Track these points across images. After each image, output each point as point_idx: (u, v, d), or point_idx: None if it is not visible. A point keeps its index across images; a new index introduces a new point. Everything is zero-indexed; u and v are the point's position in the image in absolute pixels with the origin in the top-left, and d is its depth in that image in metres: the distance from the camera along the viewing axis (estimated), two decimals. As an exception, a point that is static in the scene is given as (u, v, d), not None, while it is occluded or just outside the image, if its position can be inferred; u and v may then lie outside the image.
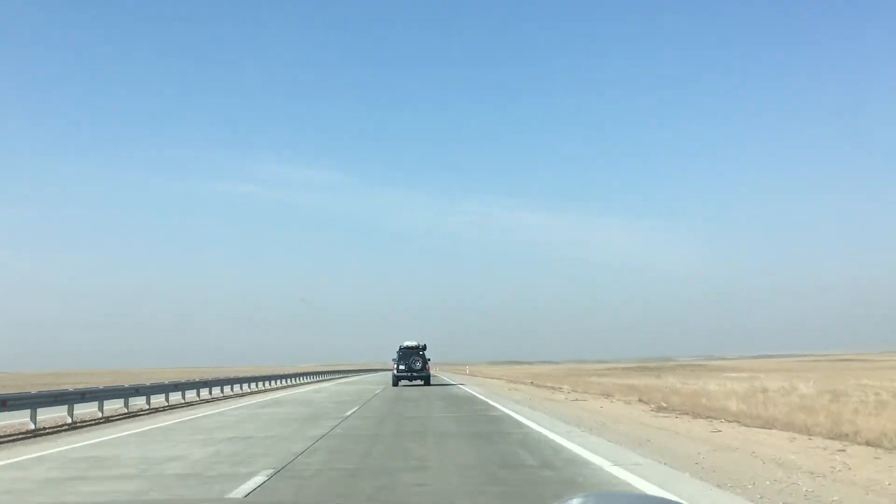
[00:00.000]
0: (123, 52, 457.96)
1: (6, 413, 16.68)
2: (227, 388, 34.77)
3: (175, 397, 27.31)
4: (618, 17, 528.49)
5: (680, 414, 17.67)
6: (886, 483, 8.16)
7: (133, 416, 20.44)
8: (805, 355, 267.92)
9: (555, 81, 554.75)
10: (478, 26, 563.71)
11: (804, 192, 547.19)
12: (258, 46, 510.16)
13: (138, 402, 23.53)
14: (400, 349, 41.18)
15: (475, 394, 30.63)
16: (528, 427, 15.13)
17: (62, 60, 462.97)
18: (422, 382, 40.70)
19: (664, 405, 20.08)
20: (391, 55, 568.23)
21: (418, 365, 40.28)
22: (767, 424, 14.21)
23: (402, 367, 40.45)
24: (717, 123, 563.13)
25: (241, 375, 42.08)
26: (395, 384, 40.13)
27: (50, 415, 18.73)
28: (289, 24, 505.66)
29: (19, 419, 17.43)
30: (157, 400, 24.98)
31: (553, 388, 35.66)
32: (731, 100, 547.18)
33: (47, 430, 16.48)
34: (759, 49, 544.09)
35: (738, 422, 15.08)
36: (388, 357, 42.94)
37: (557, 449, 11.44)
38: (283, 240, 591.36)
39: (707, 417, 16.32)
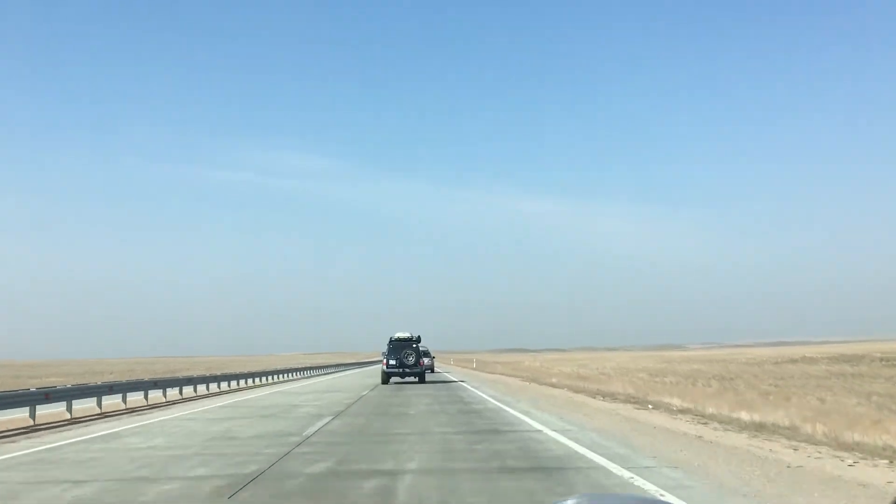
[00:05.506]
0: (114, 37, 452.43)
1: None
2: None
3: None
4: (622, 14, 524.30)
5: None
6: None
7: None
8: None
9: (573, 77, 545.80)
10: (480, 21, 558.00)
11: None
12: (254, 29, 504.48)
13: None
14: (390, 342, 36.47)
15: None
16: None
17: (53, 49, 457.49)
18: (415, 380, 36.62)
19: None
20: (390, 42, 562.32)
21: (411, 360, 35.96)
22: None
23: (392, 361, 36.06)
24: (717, 116, 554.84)
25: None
26: (385, 382, 36.02)
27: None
28: (283, 8, 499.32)
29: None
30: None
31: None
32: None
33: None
34: (766, 45, 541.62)
35: None
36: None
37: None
38: (277, 226, 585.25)
39: None
